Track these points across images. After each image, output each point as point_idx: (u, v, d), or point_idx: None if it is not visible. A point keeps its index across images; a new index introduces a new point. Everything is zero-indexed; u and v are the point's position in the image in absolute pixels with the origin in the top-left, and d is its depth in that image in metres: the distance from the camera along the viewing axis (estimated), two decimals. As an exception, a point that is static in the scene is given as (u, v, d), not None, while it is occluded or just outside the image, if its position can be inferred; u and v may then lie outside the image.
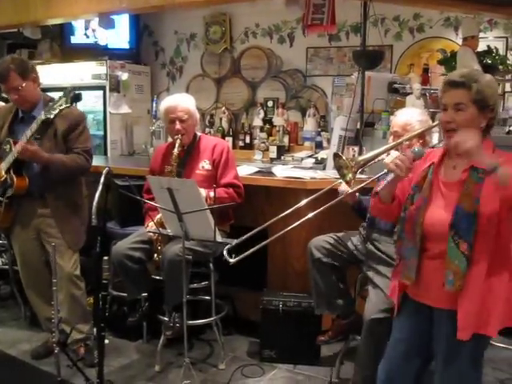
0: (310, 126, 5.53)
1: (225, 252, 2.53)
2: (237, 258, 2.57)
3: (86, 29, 6.55)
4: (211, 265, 3.37)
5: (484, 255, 1.99)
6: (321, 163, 4.36)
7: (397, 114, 3.13)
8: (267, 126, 5.66)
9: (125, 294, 3.62)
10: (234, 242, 2.67)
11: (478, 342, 2.07)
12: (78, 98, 3.16)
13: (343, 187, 2.92)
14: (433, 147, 2.86)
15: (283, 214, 2.65)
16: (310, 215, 2.49)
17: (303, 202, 2.67)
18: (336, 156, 2.34)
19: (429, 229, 2.08)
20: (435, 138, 3.49)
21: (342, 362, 3.36)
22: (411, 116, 3.00)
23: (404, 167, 2.08)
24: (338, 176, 2.41)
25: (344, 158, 2.27)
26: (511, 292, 2.10)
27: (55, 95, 3.28)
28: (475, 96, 2.02)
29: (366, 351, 2.82)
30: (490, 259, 2.00)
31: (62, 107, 3.10)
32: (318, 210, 2.47)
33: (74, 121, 3.32)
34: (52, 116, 3.09)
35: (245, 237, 2.71)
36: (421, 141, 2.87)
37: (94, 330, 3.23)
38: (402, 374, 2.26)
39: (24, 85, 3.20)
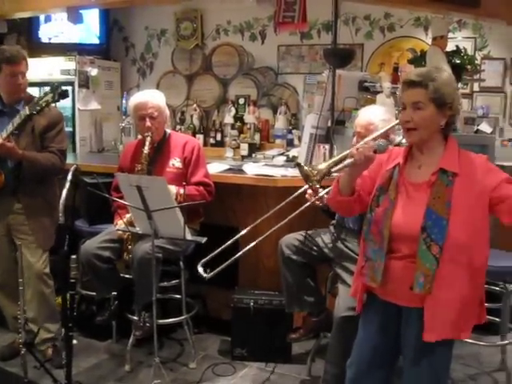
0: (281, 123, 5.54)
1: (200, 268, 2.54)
2: (211, 274, 2.59)
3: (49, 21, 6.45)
4: (181, 263, 3.35)
5: (454, 258, 2.01)
6: (292, 161, 4.36)
7: (359, 113, 3.12)
8: (238, 123, 5.65)
9: (93, 293, 3.58)
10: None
11: (446, 342, 2.09)
12: (64, 94, 3.11)
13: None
14: (398, 145, 2.89)
15: (268, 214, 2.66)
16: (282, 223, 2.51)
17: (279, 206, 2.69)
18: (298, 165, 2.34)
19: (397, 230, 2.08)
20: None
21: (314, 360, 3.38)
22: (374, 115, 3.00)
23: (363, 154, 2.08)
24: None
25: (305, 167, 2.26)
26: (480, 293, 2.13)
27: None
28: (432, 95, 2.04)
29: (336, 348, 2.83)
30: (461, 262, 2.02)
31: (47, 103, 3.05)
32: (291, 216, 2.50)
33: (53, 119, 3.29)
34: (36, 112, 3.05)
35: (215, 252, 2.75)
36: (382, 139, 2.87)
37: (62, 329, 3.18)
38: (370, 372, 2.27)
39: (27, 73, 3.21)
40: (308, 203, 2.98)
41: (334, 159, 2.29)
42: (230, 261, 2.65)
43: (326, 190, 2.75)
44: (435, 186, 2.05)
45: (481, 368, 3.50)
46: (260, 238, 2.80)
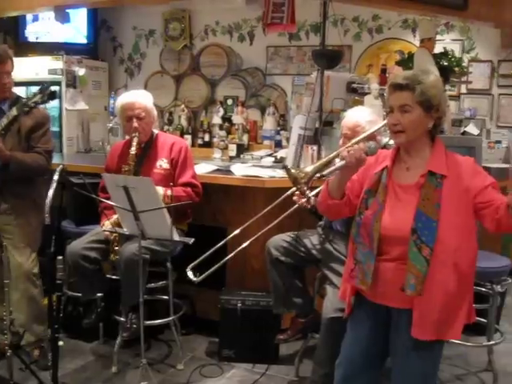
0: (269, 124, 5.54)
1: (189, 272, 2.54)
2: (201, 277, 2.59)
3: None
4: (169, 264, 3.33)
5: (444, 259, 2.01)
6: (280, 162, 4.36)
7: (346, 115, 3.13)
8: (227, 124, 5.64)
9: (80, 295, 3.55)
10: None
11: (436, 343, 2.10)
12: (54, 95, 3.09)
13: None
14: (384, 146, 2.89)
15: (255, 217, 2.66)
16: (271, 225, 2.51)
17: (268, 208, 2.69)
18: (285, 168, 2.34)
19: (387, 233, 2.08)
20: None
21: (301, 361, 3.37)
22: (361, 117, 3.00)
23: (354, 156, 2.09)
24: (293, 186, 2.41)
25: (293, 170, 2.26)
26: (470, 293, 2.14)
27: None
28: (419, 97, 2.04)
29: (324, 349, 2.83)
30: (450, 263, 2.02)
31: (36, 104, 3.03)
32: (280, 218, 2.50)
33: (40, 120, 3.26)
34: (25, 112, 3.03)
35: (203, 256, 2.77)
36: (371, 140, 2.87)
37: (49, 331, 3.16)
38: (359, 373, 2.27)
39: (12, 73, 3.18)
40: (296, 205, 2.98)
41: (321, 161, 2.29)
42: (219, 264, 2.66)
43: (314, 192, 2.76)
44: (424, 188, 2.06)
45: (468, 368, 3.51)
46: (250, 240, 2.80)
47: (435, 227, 2.00)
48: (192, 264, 2.79)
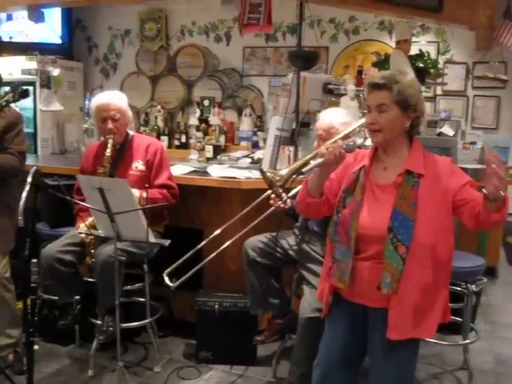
0: (246, 125, 5.53)
1: (165, 278, 2.52)
2: (177, 283, 2.58)
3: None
4: (145, 266, 3.31)
5: (420, 258, 2.03)
6: (257, 163, 4.35)
7: (320, 116, 3.15)
8: (203, 125, 5.61)
9: (56, 298, 3.51)
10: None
11: (412, 342, 2.11)
12: (25, 94, 3.04)
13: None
14: (359, 147, 2.91)
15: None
16: (248, 227, 2.51)
17: (245, 211, 2.69)
18: (261, 172, 2.34)
19: (364, 232, 2.09)
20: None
21: (279, 362, 3.37)
22: (335, 119, 3.02)
23: (333, 153, 2.11)
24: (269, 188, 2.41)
25: (268, 173, 2.26)
26: (445, 293, 2.15)
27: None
28: (396, 97, 2.06)
29: (301, 350, 2.83)
30: (426, 262, 2.04)
31: (7, 103, 2.98)
32: (257, 221, 2.50)
33: (13, 120, 3.21)
34: None
35: (179, 261, 2.76)
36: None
37: (24, 335, 3.12)
38: (337, 372, 2.27)
39: None
40: (272, 208, 2.98)
41: (296, 164, 2.30)
42: (195, 269, 2.65)
43: (291, 193, 2.76)
44: (401, 188, 2.07)
45: (444, 367, 3.55)
46: (227, 243, 2.79)
47: (411, 226, 2.02)
48: (168, 269, 2.76)
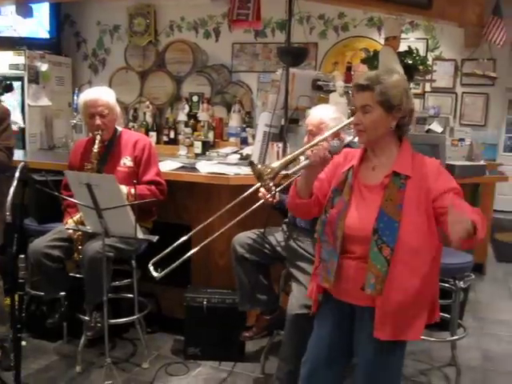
0: (235, 121, 5.53)
1: (150, 268, 2.51)
2: (162, 273, 2.57)
3: None
4: (133, 262, 3.31)
5: (405, 260, 2.02)
6: (246, 159, 4.35)
7: (311, 112, 3.16)
8: (192, 121, 5.61)
9: (43, 294, 3.50)
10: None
11: (399, 342, 2.12)
12: (9, 88, 3.03)
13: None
14: (348, 144, 2.91)
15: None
16: (234, 221, 2.50)
17: (231, 204, 2.69)
18: (251, 164, 2.34)
19: (350, 232, 2.09)
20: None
21: (267, 358, 3.37)
22: (325, 114, 3.03)
23: (318, 155, 2.12)
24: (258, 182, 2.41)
25: (259, 166, 2.26)
26: (433, 293, 2.16)
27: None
28: (379, 97, 2.06)
29: (289, 346, 2.83)
30: (411, 263, 2.03)
31: None
32: (243, 214, 2.50)
33: (0, 115, 3.20)
34: None
35: (165, 252, 2.75)
36: (335, 139, 2.89)
37: (11, 331, 3.10)
38: (325, 369, 2.28)
39: None
40: (261, 201, 2.98)
41: (286, 158, 2.30)
42: (180, 260, 2.63)
43: (280, 187, 2.76)
44: (388, 189, 2.07)
45: (431, 363, 3.57)
46: (212, 237, 2.78)
47: (397, 228, 2.01)
48: (154, 259, 2.75)
